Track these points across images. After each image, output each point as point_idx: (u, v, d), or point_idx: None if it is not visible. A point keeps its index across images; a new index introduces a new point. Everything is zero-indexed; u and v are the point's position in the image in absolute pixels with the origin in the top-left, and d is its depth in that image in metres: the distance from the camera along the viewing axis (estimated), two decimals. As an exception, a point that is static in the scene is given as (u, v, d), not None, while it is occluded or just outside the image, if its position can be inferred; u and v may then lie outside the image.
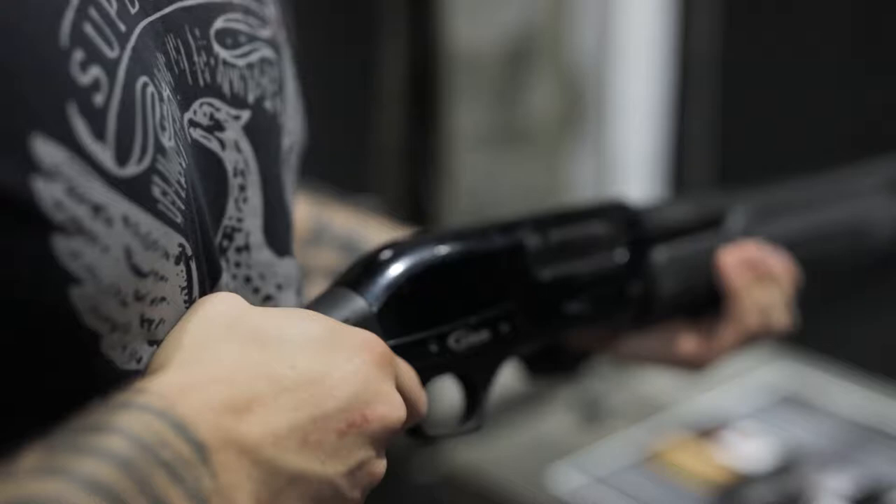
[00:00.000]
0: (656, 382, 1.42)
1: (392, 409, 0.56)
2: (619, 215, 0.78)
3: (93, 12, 0.50)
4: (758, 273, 0.84)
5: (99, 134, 0.49)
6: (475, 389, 0.70)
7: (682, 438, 1.29)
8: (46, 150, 0.47)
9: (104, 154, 0.49)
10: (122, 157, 0.50)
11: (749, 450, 1.26)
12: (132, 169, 0.50)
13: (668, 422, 1.33)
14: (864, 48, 1.59)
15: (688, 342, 0.84)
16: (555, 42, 1.48)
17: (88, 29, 0.49)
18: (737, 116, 1.62)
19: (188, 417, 0.49)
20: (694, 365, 0.86)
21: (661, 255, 0.80)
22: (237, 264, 0.60)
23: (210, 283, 0.57)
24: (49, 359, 0.49)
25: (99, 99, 0.49)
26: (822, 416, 1.33)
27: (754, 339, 0.86)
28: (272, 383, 0.52)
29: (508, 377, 1.36)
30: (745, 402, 1.37)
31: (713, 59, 1.52)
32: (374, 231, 0.86)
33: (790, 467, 1.22)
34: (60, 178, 0.47)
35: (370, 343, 0.57)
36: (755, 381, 1.42)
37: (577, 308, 0.74)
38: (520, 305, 0.70)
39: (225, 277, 0.59)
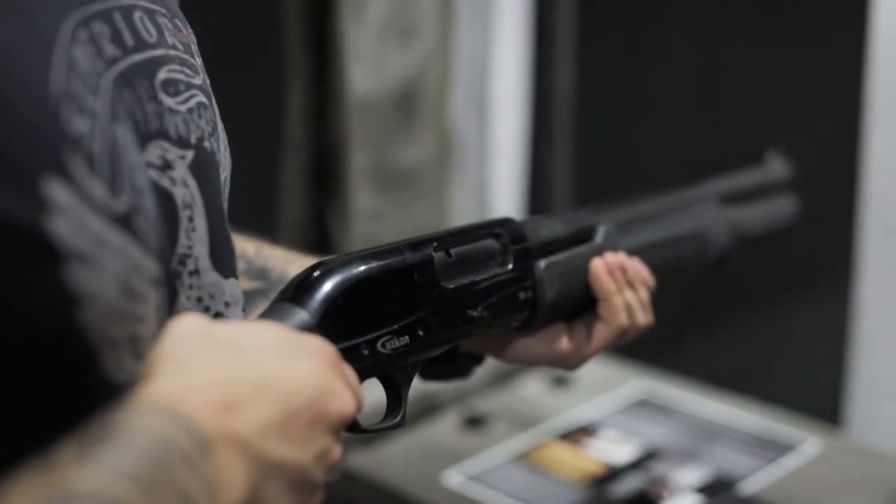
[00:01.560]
0: (533, 396, 1.58)
1: (346, 403, 0.62)
2: (508, 230, 0.88)
3: (75, 69, 0.57)
4: (623, 278, 0.95)
5: (93, 173, 0.56)
6: (398, 388, 0.79)
7: (556, 440, 1.45)
8: (54, 188, 0.53)
9: (100, 191, 0.56)
10: (114, 192, 0.57)
11: (614, 448, 1.42)
12: (122, 204, 0.58)
13: (544, 429, 1.48)
14: (705, 100, 1.80)
15: (566, 342, 0.94)
16: (437, 94, 1.63)
17: (75, 83, 0.56)
18: (590, 154, 1.82)
19: (192, 416, 0.54)
20: (571, 362, 0.96)
21: (543, 265, 0.90)
22: (190, 286, 0.67)
23: (169, 304, 0.64)
24: (55, 373, 0.55)
25: (87, 143, 0.56)
26: (675, 419, 1.51)
27: (622, 336, 0.96)
28: (250, 385, 0.57)
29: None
30: (611, 411, 1.53)
31: (568, 109, 1.69)
32: (281, 259, 0.93)
33: (649, 462, 1.39)
34: (68, 213, 0.54)
35: (321, 347, 0.63)
36: (618, 393, 1.58)
37: (478, 313, 0.83)
38: (432, 312, 0.79)
39: (181, 298, 0.66)
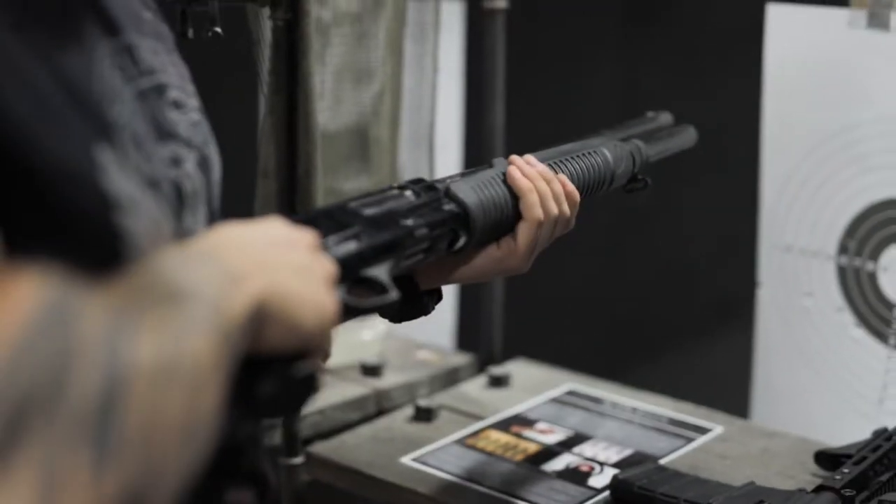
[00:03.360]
0: (476, 394, 1.78)
1: (325, 259, 0.79)
2: (411, 182, 1.04)
3: (105, 80, 0.75)
4: (536, 173, 1.12)
5: (128, 145, 0.73)
6: (376, 282, 0.91)
7: (496, 429, 1.65)
8: (103, 153, 0.71)
9: (134, 157, 0.74)
10: (144, 160, 0.75)
11: (547, 435, 1.63)
12: (149, 170, 0.75)
13: (485, 420, 1.68)
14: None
15: (495, 248, 1.11)
16: (388, 130, 1.84)
17: (105, 89, 0.75)
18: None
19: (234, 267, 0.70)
20: (510, 263, 1.12)
21: (450, 184, 1.07)
22: None
23: None
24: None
25: (122, 125, 0.74)
26: (601, 411, 1.71)
27: (539, 227, 1.11)
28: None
29: (358, 389, 1.70)
30: (544, 405, 1.74)
31: (501, 147, 1.90)
32: None
33: (578, 444, 1.59)
34: (111, 172, 0.71)
35: (311, 235, 0.80)
36: (551, 392, 1.79)
37: (412, 222, 0.97)
38: (367, 226, 0.91)
39: None
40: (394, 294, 0.90)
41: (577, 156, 1.24)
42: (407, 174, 1.92)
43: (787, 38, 1.74)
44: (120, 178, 0.71)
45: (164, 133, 0.81)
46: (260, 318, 0.70)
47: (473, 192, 1.08)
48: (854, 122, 1.68)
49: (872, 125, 1.66)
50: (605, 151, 1.28)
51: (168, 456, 0.58)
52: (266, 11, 1.56)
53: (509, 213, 1.12)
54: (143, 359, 0.57)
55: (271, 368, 0.73)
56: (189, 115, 0.85)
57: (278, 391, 0.73)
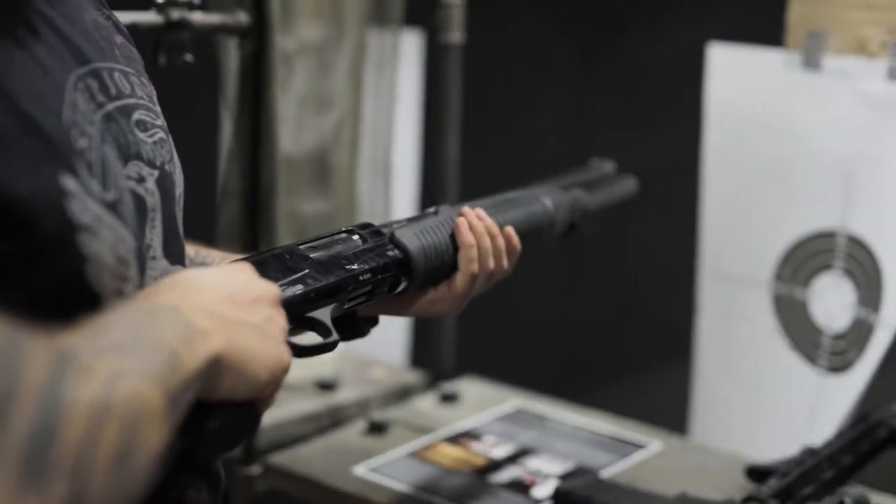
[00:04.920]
0: (426, 409, 1.86)
1: (273, 288, 0.87)
2: (358, 227, 1.10)
3: (77, 107, 0.81)
4: (483, 228, 1.17)
5: (91, 174, 0.79)
6: (319, 324, 0.98)
7: (445, 442, 1.72)
8: (68, 181, 0.77)
9: (96, 186, 0.80)
10: (105, 188, 0.81)
11: (494, 448, 1.71)
12: (111, 196, 0.81)
13: (435, 434, 1.76)
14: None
15: (437, 292, 1.17)
16: (347, 156, 1.93)
17: (77, 117, 0.81)
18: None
19: (164, 300, 0.78)
20: (443, 307, 1.17)
21: (397, 230, 1.12)
22: (151, 267, 0.88)
23: (140, 272, 0.86)
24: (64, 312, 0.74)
25: (88, 154, 0.80)
26: (545, 426, 1.79)
27: (474, 280, 1.17)
28: (206, 281, 0.82)
29: (313, 404, 1.77)
30: (491, 420, 1.81)
31: (455, 178, 1.98)
32: (217, 257, 1.16)
33: (523, 458, 1.67)
34: (77, 198, 0.77)
35: (272, 288, 0.88)
36: (499, 408, 1.87)
37: (357, 267, 1.04)
38: (314, 270, 0.98)
39: (147, 273, 0.87)
40: (335, 336, 0.98)
41: (519, 204, 1.29)
42: (365, 199, 2.00)
43: (726, 77, 1.84)
44: (85, 202, 0.78)
45: (128, 153, 0.88)
46: (217, 370, 0.78)
47: (417, 239, 1.12)
48: (787, 157, 1.78)
49: (804, 161, 1.76)
50: (546, 200, 1.34)
51: (99, 483, 0.63)
52: (234, 41, 1.65)
53: (449, 260, 1.17)
54: (82, 397, 0.62)
55: (222, 410, 0.82)
56: (153, 135, 0.92)
57: (223, 430, 0.82)
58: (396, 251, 1.11)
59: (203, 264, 1.14)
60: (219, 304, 0.81)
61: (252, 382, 0.81)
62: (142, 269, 0.86)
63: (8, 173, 0.73)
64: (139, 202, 0.87)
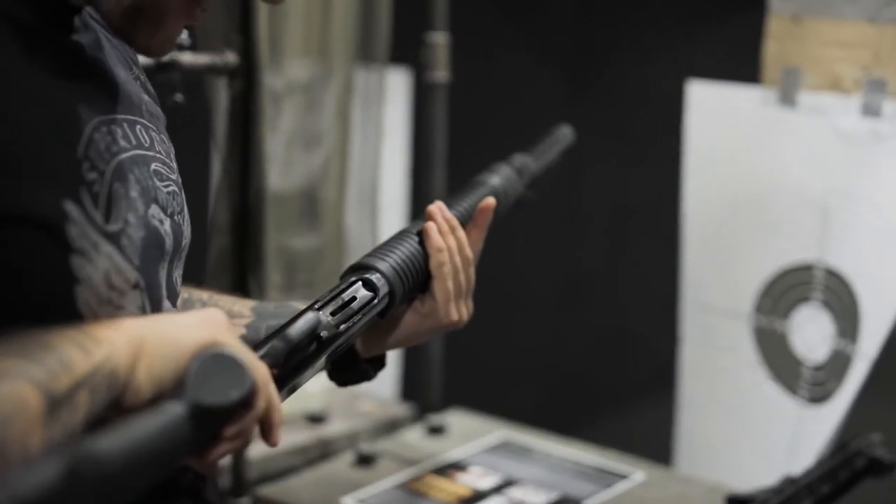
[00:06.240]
0: (414, 441, 1.89)
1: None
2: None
3: (93, 145, 0.89)
4: (448, 229, 1.15)
5: (96, 204, 0.86)
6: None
7: (432, 474, 1.75)
8: (70, 207, 0.83)
9: (98, 216, 0.86)
10: (107, 220, 0.87)
11: (480, 479, 1.73)
12: (112, 227, 0.87)
13: (422, 466, 1.78)
14: (560, 209, 2.15)
15: (421, 307, 1.14)
16: (335, 192, 1.96)
17: (91, 153, 0.87)
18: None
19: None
20: (437, 319, 1.14)
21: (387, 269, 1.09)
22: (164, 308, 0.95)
23: (152, 307, 0.92)
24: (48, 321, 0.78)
25: (95, 187, 0.86)
26: (530, 458, 1.82)
27: (454, 279, 1.14)
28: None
29: (303, 436, 1.80)
30: (478, 452, 1.84)
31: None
32: (206, 297, 1.19)
33: (509, 488, 1.70)
34: (77, 224, 0.84)
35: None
36: (485, 440, 1.89)
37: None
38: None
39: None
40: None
41: (470, 192, 1.28)
42: (352, 234, 2.03)
43: (705, 113, 1.88)
44: (84, 229, 0.84)
45: (148, 196, 0.93)
46: (137, 355, 0.80)
47: (392, 270, 1.10)
48: (765, 191, 1.82)
49: (782, 195, 1.80)
50: (492, 179, 1.32)
51: None
52: (223, 81, 1.68)
53: (422, 268, 1.14)
54: None
55: None
56: (167, 186, 0.98)
57: None
58: (372, 273, 1.08)
59: (193, 303, 1.18)
60: (179, 353, 0.81)
61: (176, 358, 0.81)
62: (154, 302, 0.92)
63: (17, 189, 0.80)
64: (159, 240, 0.93)
